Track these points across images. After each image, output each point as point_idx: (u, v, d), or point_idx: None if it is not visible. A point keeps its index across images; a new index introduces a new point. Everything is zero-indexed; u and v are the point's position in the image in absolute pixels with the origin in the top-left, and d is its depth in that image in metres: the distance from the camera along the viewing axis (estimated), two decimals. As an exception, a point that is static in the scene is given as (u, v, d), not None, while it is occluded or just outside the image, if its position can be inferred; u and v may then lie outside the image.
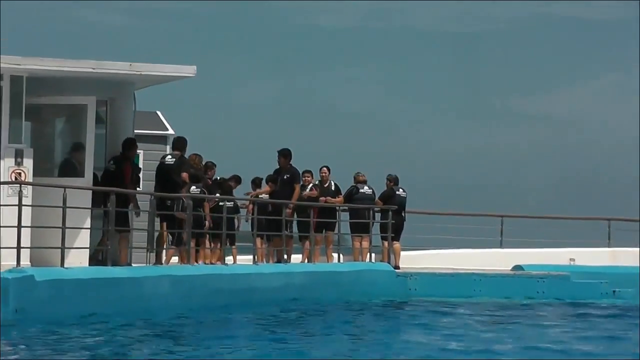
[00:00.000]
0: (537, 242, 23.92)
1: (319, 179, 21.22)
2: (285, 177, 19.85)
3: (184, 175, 17.61)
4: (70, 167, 16.55)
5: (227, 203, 18.33)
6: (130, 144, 17.17)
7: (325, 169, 21.31)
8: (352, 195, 21.45)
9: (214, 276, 17.30)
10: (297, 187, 19.84)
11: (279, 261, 19.78)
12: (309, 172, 20.61)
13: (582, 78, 51.00)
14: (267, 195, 19.98)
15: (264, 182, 20.35)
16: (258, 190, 20.22)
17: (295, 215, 20.02)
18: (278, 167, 20.04)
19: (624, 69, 48.56)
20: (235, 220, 19.79)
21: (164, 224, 17.44)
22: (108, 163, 17.10)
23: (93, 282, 14.89)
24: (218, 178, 19.03)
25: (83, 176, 16.39)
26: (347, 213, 21.56)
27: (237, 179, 19.81)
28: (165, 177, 17.61)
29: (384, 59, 51.21)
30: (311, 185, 20.60)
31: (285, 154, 19.94)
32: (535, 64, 49.45)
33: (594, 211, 25.50)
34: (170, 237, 17.61)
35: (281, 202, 19.44)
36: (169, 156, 17.88)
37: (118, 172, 16.88)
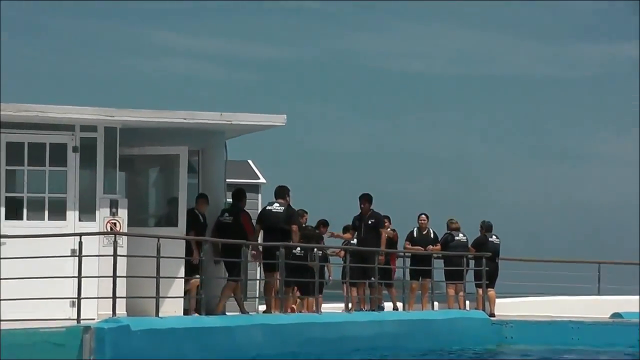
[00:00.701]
0: (636, 289, 23.55)
1: (417, 226, 21.26)
2: (369, 222, 19.81)
3: (294, 227, 17.75)
4: (192, 217, 16.82)
5: (318, 251, 18.47)
6: (242, 194, 17.48)
7: (424, 216, 21.36)
8: (448, 243, 21.44)
9: (306, 325, 17.35)
10: (384, 233, 19.80)
11: (372, 309, 19.78)
12: (387, 217, 20.51)
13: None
14: (355, 241, 20.02)
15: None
16: (338, 233, 20.21)
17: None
18: (359, 213, 20.00)
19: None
20: (326, 269, 19.87)
21: (275, 273, 17.38)
22: (223, 215, 17.28)
23: (187, 332, 15.05)
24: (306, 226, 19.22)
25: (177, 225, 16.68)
26: (442, 261, 21.57)
27: (324, 223, 19.92)
28: (273, 225, 17.69)
29: (475, 104, 51.14)
30: (389, 229, 20.56)
31: (368, 199, 19.93)
32: (625, 107, 48.91)
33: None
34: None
35: (373, 249, 19.43)
36: (277, 204, 17.89)
37: (237, 223, 17.10)
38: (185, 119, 16.73)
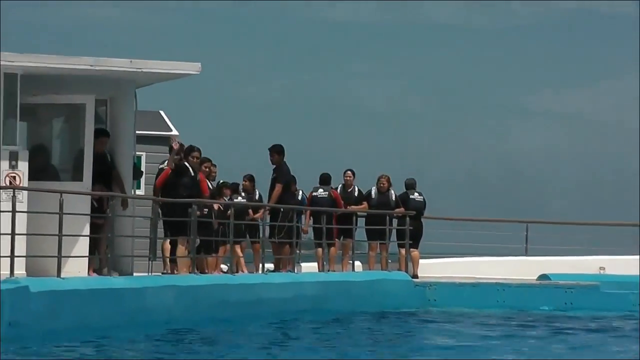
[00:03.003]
0: (564, 249, 23.75)
1: (343, 182, 21.06)
2: (272, 175, 19.43)
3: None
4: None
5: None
6: (192, 150, 17.30)
7: (349, 172, 21.15)
8: (406, 202, 21.33)
9: (220, 286, 17.14)
10: (278, 187, 19.17)
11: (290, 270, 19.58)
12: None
13: (607, 77, 50.77)
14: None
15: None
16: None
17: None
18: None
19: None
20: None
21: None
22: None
23: (91, 293, 14.74)
24: (220, 182, 18.95)
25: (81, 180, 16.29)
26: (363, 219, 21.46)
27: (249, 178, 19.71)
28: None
29: (399, 55, 51.08)
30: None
31: (276, 150, 19.36)
32: (560, 61, 49.24)
33: (625, 217, 25.28)
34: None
35: (264, 205, 19.14)
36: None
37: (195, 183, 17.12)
38: (92, 65, 16.30)
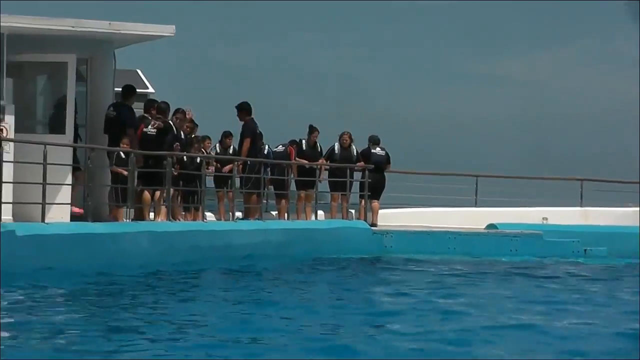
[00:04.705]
0: (511, 201, 24.09)
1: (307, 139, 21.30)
2: (241, 131, 19.70)
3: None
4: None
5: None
6: (130, 91, 17.39)
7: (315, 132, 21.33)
8: (368, 157, 21.58)
9: (192, 232, 17.41)
10: (246, 143, 19.39)
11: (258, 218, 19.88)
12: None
13: (554, 44, 51.07)
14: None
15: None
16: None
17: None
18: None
19: (597, 35, 48.67)
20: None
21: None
22: (108, 110, 17.22)
23: (73, 237, 14.97)
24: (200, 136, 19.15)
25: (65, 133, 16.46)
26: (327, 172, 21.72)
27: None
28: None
29: (355, 25, 51.19)
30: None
31: (239, 108, 19.53)
32: (512, 28, 49.49)
33: (565, 172, 25.65)
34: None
35: (232, 158, 19.39)
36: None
37: (117, 118, 17.17)
38: (73, 27, 16.44)
